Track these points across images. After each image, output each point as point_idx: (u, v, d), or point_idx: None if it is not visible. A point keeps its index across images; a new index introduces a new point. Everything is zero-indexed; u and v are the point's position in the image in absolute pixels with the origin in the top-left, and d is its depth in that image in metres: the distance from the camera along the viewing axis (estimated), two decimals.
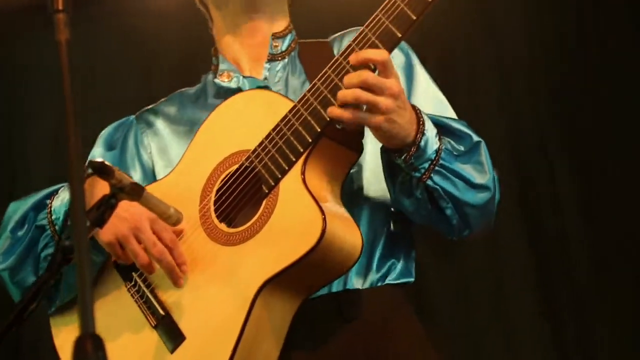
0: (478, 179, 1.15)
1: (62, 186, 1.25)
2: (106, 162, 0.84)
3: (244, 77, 1.32)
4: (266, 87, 1.28)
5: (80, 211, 0.58)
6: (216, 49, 1.40)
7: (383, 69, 1.03)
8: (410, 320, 1.26)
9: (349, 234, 1.09)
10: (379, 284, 1.21)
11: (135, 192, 0.87)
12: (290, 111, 1.11)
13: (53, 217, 1.19)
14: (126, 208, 1.04)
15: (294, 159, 1.09)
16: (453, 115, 1.29)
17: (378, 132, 1.07)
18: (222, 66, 1.35)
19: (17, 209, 1.25)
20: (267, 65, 1.33)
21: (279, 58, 1.34)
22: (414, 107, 1.10)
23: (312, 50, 1.36)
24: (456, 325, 3.10)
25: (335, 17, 2.57)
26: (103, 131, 1.40)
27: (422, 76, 1.32)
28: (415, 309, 1.28)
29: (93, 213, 0.79)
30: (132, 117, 1.41)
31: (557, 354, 3.00)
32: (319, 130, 1.07)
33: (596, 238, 3.02)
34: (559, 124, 3.13)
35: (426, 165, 1.09)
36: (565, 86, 3.11)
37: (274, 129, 1.12)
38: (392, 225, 1.26)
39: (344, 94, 1.03)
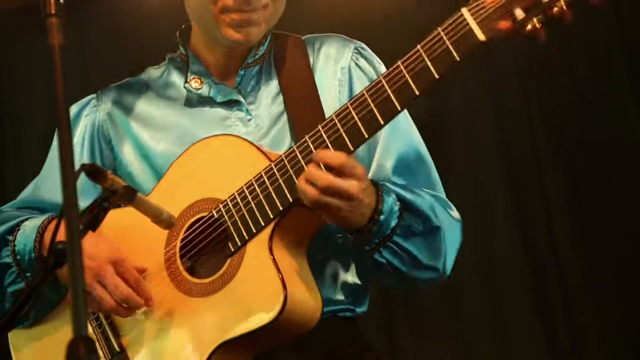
0: (427, 260, 1.14)
1: (22, 218, 1.22)
2: (98, 165, 0.83)
3: (215, 83, 1.28)
4: (234, 104, 1.27)
5: (73, 214, 0.57)
6: (186, 38, 1.34)
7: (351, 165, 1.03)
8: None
9: (311, 299, 1.09)
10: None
11: (128, 196, 0.86)
12: (266, 172, 1.09)
13: (17, 248, 1.17)
14: (90, 253, 1.04)
15: (263, 224, 1.08)
16: (430, 164, 1.28)
17: (329, 218, 1.06)
18: (192, 67, 1.30)
19: None
20: (242, 72, 1.29)
21: (254, 64, 1.30)
22: (377, 188, 1.08)
23: (285, 49, 1.32)
24: (451, 327, 3.19)
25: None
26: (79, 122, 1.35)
27: (404, 121, 1.27)
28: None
29: (86, 216, 0.77)
30: (104, 96, 1.36)
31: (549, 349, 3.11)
32: (290, 200, 1.06)
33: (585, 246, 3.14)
34: (550, 147, 3.22)
35: (377, 241, 1.09)
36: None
37: (248, 186, 1.10)
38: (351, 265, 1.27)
39: (314, 174, 1.01)
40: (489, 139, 3.21)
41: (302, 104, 1.23)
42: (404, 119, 1.25)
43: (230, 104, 1.27)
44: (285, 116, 1.25)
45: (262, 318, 1.03)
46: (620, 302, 3.03)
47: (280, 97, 1.27)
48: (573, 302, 3.07)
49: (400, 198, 1.11)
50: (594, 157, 3.10)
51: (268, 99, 1.28)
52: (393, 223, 1.08)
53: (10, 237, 1.19)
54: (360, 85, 1.20)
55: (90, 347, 0.52)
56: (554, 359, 3.04)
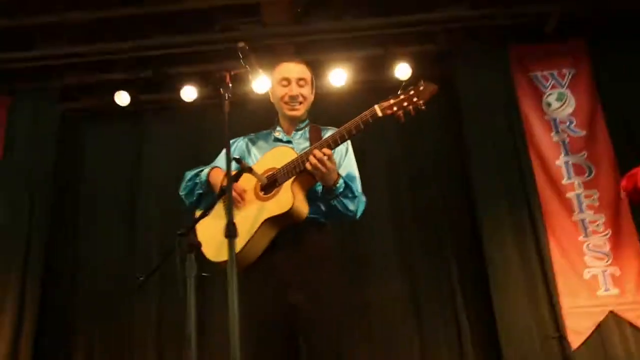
0: (351, 208, 2.34)
1: (203, 168, 2.51)
2: (240, 158, 2.03)
3: (285, 136, 2.56)
4: (290, 142, 2.52)
5: (230, 175, 1.49)
6: (276, 118, 2.63)
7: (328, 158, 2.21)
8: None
9: (304, 207, 2.27)
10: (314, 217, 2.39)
11: (249, 168, 2.06)
12: (294, 159, 2.25)
13: (202, 178, 2.45)
14: (235, 186, 2.31)
15: (289, 177, 2.24)
16: (357, 176, 2.49)
17: (318, 177, 2.21)
18: (278, 128, 2.59)
19: (190, 175, 2.50)
20: (294, 133, 2.56)
21: (299, 130, 2.57)
22: (338, 175, 2.26)
23: (313, 130, 2.54)
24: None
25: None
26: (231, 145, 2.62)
27: (350, 155, 2.54)
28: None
29: (234, 176, 1.90)
30: (242, 138, 2.67)
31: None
32: (301, 169, 2.22)
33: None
34: None
35: (333, 196, 2.28)
36: None
37: (287, 164, 2.26)
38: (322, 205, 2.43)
39: (313, 160, 2.19)
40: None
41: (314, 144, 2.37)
42: (351, 154, 2.53)
43: (288, 142, 2.53)
44: (308, 147, 2.40)
45: (284, 209, 2.19)
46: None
47: (308, 142, 2.49)
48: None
49: (345, 181, 2.31)
50: None
51: (304, 146, 2.46)
52: (340, 190, 2.27)
53: (200, 173, 2.48)
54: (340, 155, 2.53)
55: (234, 227, 1.42)
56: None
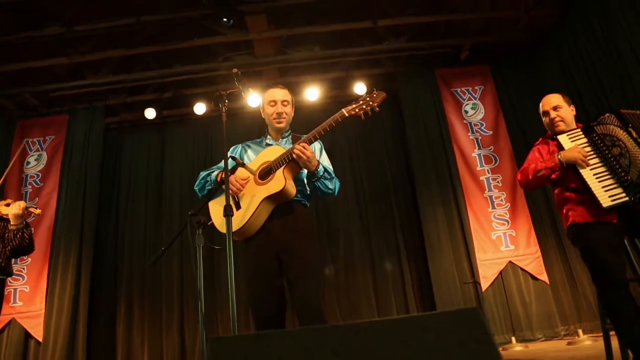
0: (330, 186, 2.51)
1: (213, 170, 2.64)
2: (236, 157, 2.38)
3: (274, 142, 2.68)
4: (279, 146, 2.60)
5: (227, 170, 2.40)
6: (267, 130, 2.75)
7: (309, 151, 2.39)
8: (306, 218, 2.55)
9: (292, 188, 2.44)
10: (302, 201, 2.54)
11: (244, 164, 2.36)
12: (284, 153, 2.44)
13: (212, 178, 2.59)
14: (231, 179, 2.44)
15: (280, 166, 2.43)
16: (330, 168, 2.59)
17: (302, 163, 2.40)
18: (268, 136, 2.72)
19: (203, 175, 2.62)
20: (281, 140, 2.68)
21: (284, 137, 2.69)
22: (318, 162, 2.46)
23: (295, 138, 2.68)
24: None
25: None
26: (231, 149, 2.76)
27: (324, 154, 2.68)
28: None
29: (232, 169, 2.50)
30: (240, 145, 2.77)
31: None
32: (290, 159, 2.41)
33: None
34: None
35: (316, 178, 2.46)
36: None
37: (278, 157, 2.45)
38: (307, 190, 2.58)
39: (296, 150, 2.38)
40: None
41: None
42: (324, 153, 2.68)
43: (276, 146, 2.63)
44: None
45: (278, 188, 2.36)
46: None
47: (290, 144, 2.64)
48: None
49: (324, 166, 2.50)
50: None
51: (287, 146, 2.60)
52: (320, 173, 2.45)
53: (211, 173, 2.62)
54: (317, 150, 2.66)
55: (230, 208, 2.43)
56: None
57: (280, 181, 2.38)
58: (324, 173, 2.47)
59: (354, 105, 2.41)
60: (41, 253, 5.42)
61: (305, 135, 2.52)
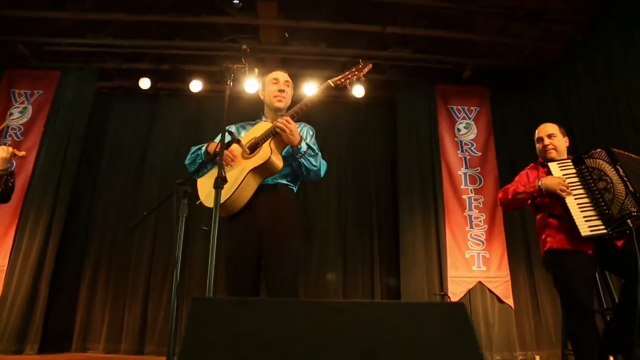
0: (316, 164, 2.44)
1: (203, 145, 2.59)
2: (234, 133, 2.34)
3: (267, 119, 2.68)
4: (266, 122, 2.60)
5: (223, 143, 2.49)
6: (262, 112, 2.75)
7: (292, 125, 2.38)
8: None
9: (278, 162, 2.41)
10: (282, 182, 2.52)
11: (238, 140, 2.33)
12: (269, 128, 2.44)
13: (202, 151, 2.57)
14: (229, 151, 2.49)
15: (268, 138, 2.43)
16: (319, 152, 2.50)
17: (284, 138, 2.37)
18: (263, 117, 2.71)
19: (194, 149, 2.60)
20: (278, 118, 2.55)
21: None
22: (301, 137, 2.41)
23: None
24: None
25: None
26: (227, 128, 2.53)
27: (314, 140, 2.60)
28: None
29: (227, 143, 2.49)
30: (234, 125, 2.73)
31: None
32: (274, 133, 2.41)
33: None
34: None
35: (299, 154, 2.39)
36: None
37: (265, 131, 2.46)
38: (293, 168, 2.52)
39: (279, 123, 2.38)
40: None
41: None
42: (314, 139, 2.62)
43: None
44: None
45: (263, 159, 2.34)
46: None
47: None
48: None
49: (307, 144, 2.43)
50: None
51: None
52: (303, 149, 2.39)
53: (201, 147, 2.59)
54: (306, 133, 2.63)
55: (222, 180, 2.49)
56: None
57: (265, 152, 2.37)
58: (307, 150, 2.43)
59: (340, 77, 2.43)
60: (11, 209, 5.31)
61: (299, 123, 2.51)
